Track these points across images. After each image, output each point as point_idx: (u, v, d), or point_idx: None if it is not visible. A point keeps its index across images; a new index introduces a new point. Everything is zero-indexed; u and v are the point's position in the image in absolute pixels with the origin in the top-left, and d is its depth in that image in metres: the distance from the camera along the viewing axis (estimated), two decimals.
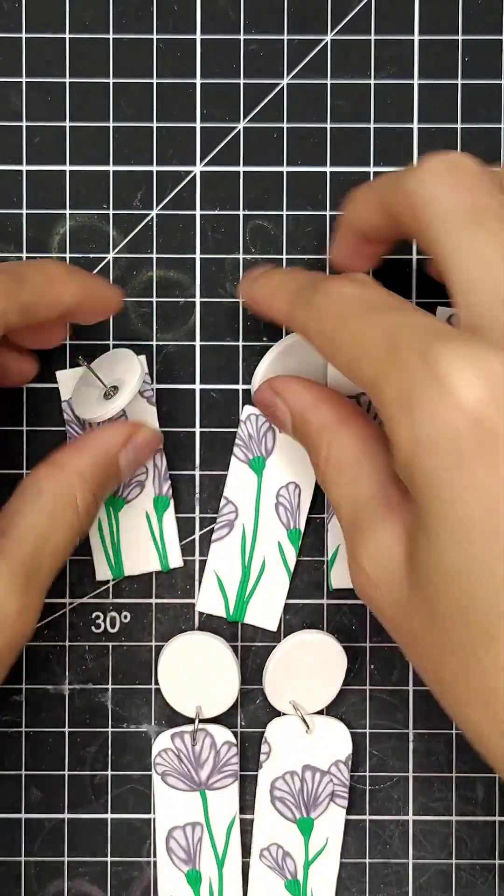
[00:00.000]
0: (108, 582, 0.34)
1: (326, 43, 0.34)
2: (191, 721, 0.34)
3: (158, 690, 0.34)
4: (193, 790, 0.34)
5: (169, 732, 0.34)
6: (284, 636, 0.34)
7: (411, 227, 0.28)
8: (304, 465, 0.33)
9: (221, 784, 0.34)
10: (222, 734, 0.34)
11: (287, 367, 0.33)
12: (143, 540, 0.35)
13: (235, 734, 0.34)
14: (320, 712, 0.34)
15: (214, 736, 0.34)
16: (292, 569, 0.34)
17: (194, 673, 0.33)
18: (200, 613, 0.35)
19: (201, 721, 0.34)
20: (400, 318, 0.26)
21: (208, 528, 0.34)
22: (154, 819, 0.34)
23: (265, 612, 0.34)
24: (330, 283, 0.28)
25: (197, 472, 0.35)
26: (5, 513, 0.30)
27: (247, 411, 0.34)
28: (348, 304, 0.27)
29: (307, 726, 0.34)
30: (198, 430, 0.35)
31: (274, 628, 0.34)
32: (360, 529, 0.27)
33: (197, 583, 0.35)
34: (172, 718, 0.34)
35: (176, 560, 0.34)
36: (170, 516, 0.34)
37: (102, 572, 0.34)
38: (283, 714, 0.34)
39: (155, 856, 0.34)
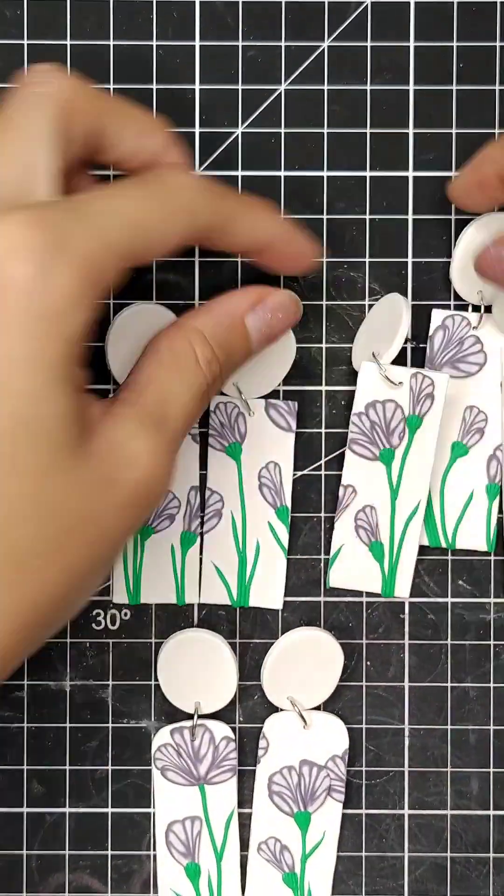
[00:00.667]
0: (108, 580, 0.35)
1: (323, 49, 0.34)
2: (190, 717, 0.34)
3: (158, 686, 0.34)
4: (192, 785, 0.34)
5: (168, 728, 0.34)
6: (282, 633, 0.34)
7: None
8: (280, 443, 0.34)
9: (220, 779, 0.34)
10: (221, 729, 0.34)
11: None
12: (164, 572, 0.35)
13: (234, 729, 0.34)
14: (317, 708, 0.34)
15: (213, 731, 0.34)
16: (286, 545, 0.34)
17: (193, 669, 0.34)
18: (200, 609, 0.35)
19: (200, 717, 0.34)
20: None
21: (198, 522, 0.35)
22: (154, 813, 0.34)
23: (267, 592, 0.35)
24: None
25: (197, 472, 0.35)
26: (129, 373, 0.29)
27: (214, 400, 0.34)
28: None
29: (304, 722, 0.34)
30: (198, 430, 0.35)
31: (279, 607, 0.35)
32: None
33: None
34: (172, 714, 0.34)
35: (192, 597, 0.35)
36: (194, 553, 0.35)
37: (119, 595, 0.35)
38: (281, 710, 0.34)
39: (155, 849, 0.35)
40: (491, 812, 0.35)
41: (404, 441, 0.33)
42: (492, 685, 0.35)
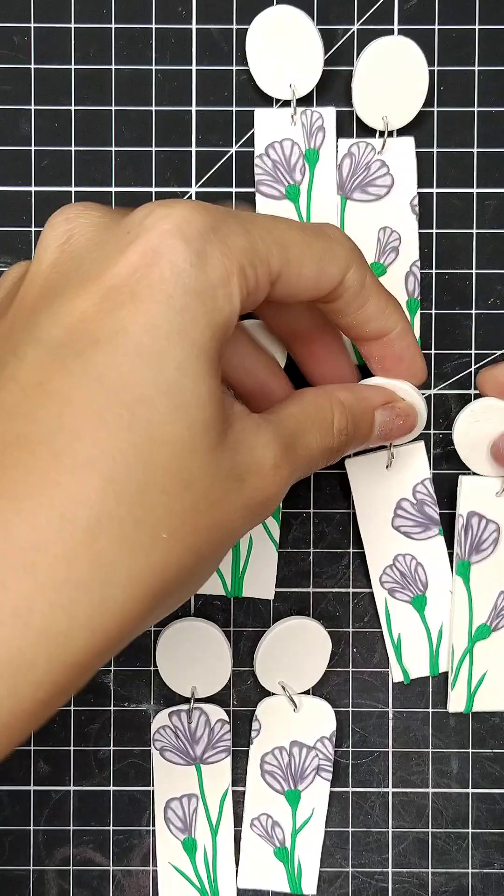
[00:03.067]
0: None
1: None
2: (187, 700, 0.35)
3: (157, 672, 0.35)
4: (189, 764, 0.35)
5: (167, 711, 0.35)
6: (273, 622, 0.35)
7: None
8: None
9: (215, 759, 0.35)
10: (216, 712, 0.35)
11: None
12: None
13: (228, 712, 0.35)
14: (307, 692, 0.35)
15: (209, 714, 0.35)
16: (278, 540, 0.35)
17: (190, 655, 0.34)
18: (196, 599, 0.35)
19: (196, 700, 0.35)
20: None
21: None
22: (153, 791, 0.35)
23: (260, 583, 0.35)
24: None
25: None
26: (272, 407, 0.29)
27: None
28: None
29: (294, 705, 0.35)
30: None
31: (271, 597, 0.35)
32: None
33: None
34: (170, 698, 0.35)
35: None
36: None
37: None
38: (273, 694, 0.35)
39: (154, 825, 0.35)
40: (469, 790, 0.35)
41: (306, 176, 0.34)
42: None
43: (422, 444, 0.35)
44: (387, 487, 0.35)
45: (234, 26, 0.35)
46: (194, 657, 0.35)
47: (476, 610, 0.34)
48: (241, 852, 0.35)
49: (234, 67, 0.35)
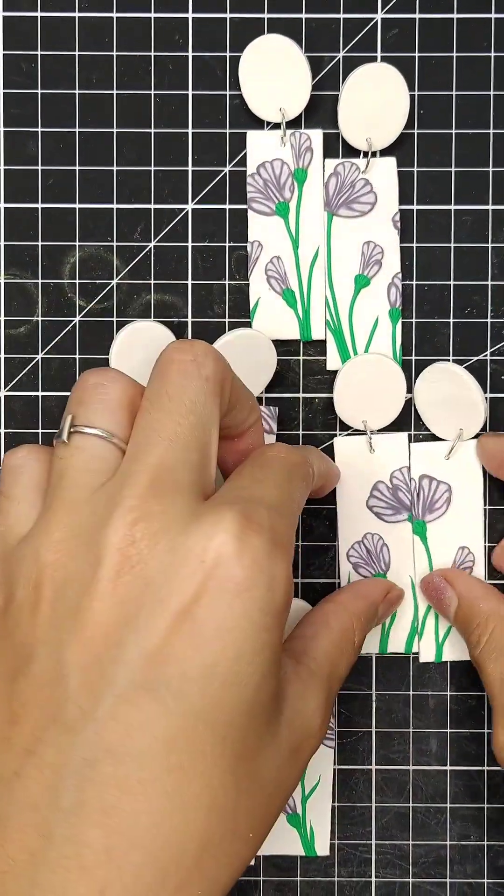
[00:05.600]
0: None
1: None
2: None
3: None
4: None
5: None
6: None
7: None
8: None
9: None
10: None
11: None
12: None
13: None
14: None
15: None
16: None
17: None
18: None
19: None
20: None
21: None
22: None
23: None
24: None
25: None
26: (300, 637, 0.31)
27: None
28: None
29: None
30: None
31: None
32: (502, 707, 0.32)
33: None
34: None
35: None
36: None
37: None
38: None
39: None
40: (448, 768, 0.37)
41: (295, 194, 0.36)
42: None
43: (405, 435, 0.37)
44: (367, 469, 0.37)
45: (228, 54, 0.37)
46: None
47: (436, 566, 0.37)
48: None
49: (227, 92, 0.37)
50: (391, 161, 0.37)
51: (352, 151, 0.37)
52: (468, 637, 0.34)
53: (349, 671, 0.31)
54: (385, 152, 0.37)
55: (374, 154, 0.37)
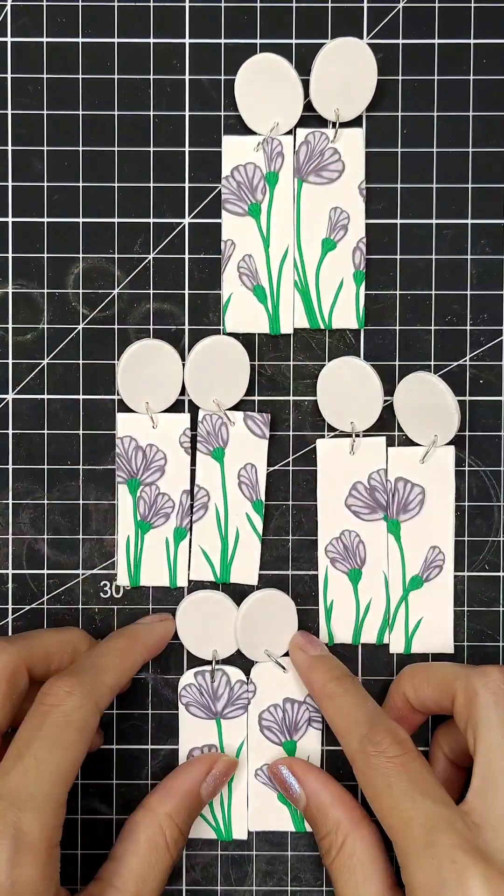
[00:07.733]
0: (112, 557, 0.37)
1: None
2: (207, 663, 0.38)
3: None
4: (210, 718, 0.38)
5: (192, 671, 0.37)
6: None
7: (461, 711, 0.32)
8: (255, 448, 0.37)
9: (233, 714, 0.38)
10: (235, 674, 0.38)
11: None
12: (159, 560, 0.38)
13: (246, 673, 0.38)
14: (286, 654, 0.38)
15: (229, 675, 0.38)
16: (261, 532, 0.37)
17: (207, 622, 0.37)
18: (189, 581, 0.38)
19: (217, 662, 0.38)
20: (437, 808, 0.29)
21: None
22: (151, 749, 0.38)
23: (245, 571, 0.38)
24: (381, 737, 0.31)
25: (188, 478, 0.37)
26: (112, 856, 0.33)
27: (202, 413, 0.37)
28: (395, 772, 0.30)
29: (283, 668, 0.37)
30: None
31: (255, 583, 0.38)
32: None
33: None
34: (166, 667, 0.37)
35: (182, 580, 0.38)
36: (184, 545, 0.37)
37: (122, 578, 0.37)
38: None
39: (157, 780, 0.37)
40: (422, 749, 0.38)
41: (266, 196, 0.37)
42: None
43: (383, 439, 0.38)
44: (347, 470, 0.38)
45: (223, 77, 0.38)
46: (210, 625, 0.37)
47: (408, 563, 0.38)
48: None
49: (222, 113, 0.38)
50: (359, 132, 0.38)
51: (322, 124, 0.38)
52: (318, 842, 0.34)
53: (167, 872, 0.33)
54: (353, 124, 0.38)
55: (342, 125, 0.38)
